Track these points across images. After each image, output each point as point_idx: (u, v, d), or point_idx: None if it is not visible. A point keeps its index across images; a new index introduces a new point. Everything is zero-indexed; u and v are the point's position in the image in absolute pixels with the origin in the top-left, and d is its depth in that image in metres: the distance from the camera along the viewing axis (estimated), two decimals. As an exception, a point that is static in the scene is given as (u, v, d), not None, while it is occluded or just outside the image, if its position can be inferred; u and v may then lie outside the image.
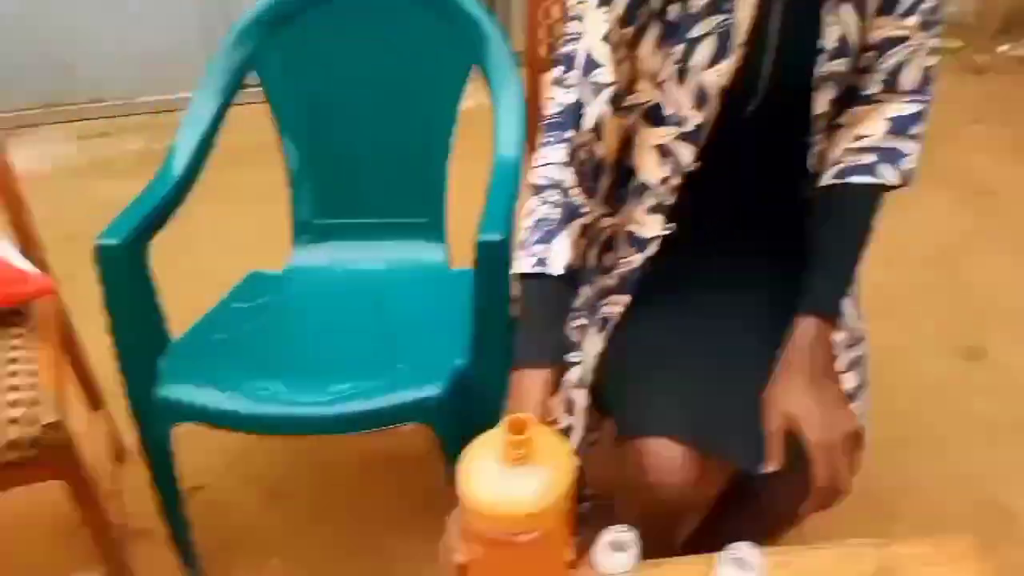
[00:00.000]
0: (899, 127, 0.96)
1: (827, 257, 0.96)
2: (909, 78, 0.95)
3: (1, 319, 1.24)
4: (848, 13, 0.91)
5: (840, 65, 0.93)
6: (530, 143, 1.36)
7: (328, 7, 1.44)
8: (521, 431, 0.69)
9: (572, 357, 1.01)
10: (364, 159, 1.51)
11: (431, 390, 1.16)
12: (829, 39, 0.92)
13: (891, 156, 0.95)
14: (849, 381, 1.00)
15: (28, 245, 1.36)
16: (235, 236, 2.13)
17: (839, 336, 0.99)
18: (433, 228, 1.51)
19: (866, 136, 0.96)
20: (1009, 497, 1.49)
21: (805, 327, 0.93)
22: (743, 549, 0.73)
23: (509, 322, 1.16)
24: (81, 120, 2.78)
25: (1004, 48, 3.15)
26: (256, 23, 1.44)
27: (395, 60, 1.46)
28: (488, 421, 1.13)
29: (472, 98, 1.45)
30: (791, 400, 0.90)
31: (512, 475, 0.70)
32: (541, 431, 0.73)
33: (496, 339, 1.17)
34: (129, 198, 1.27)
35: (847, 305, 1.02)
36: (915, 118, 0.96)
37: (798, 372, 0.91)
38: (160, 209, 1.27)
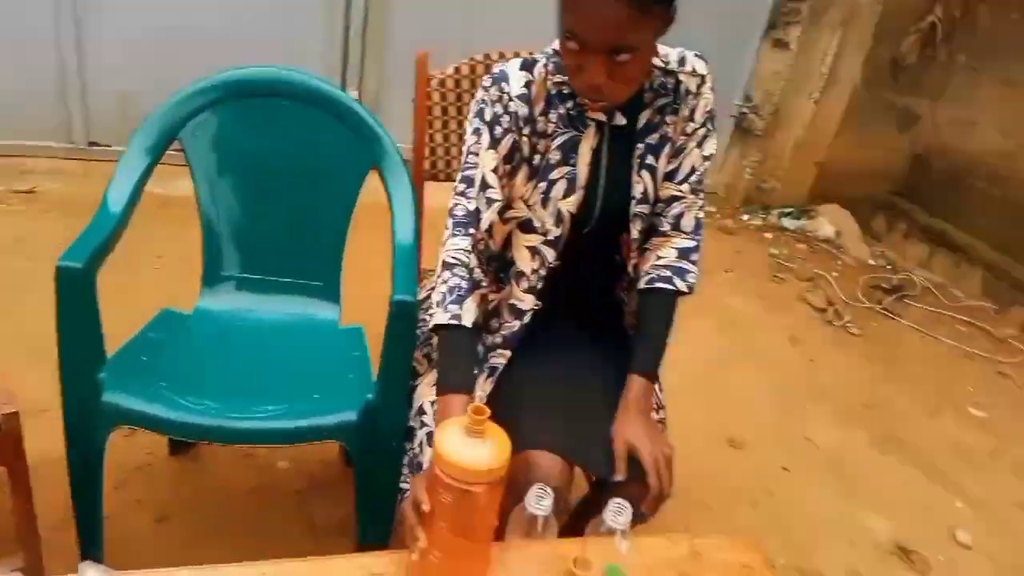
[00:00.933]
0: (684, 254, 1.41)
1: (647, 337, 1.40)
2: (687, 223, 1.41)
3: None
4: (647, 176, 1.36)
5: (644, 208, 1.39)
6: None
7: (248, 102, 1.69)
8: (482, 415, 1.00)
9: None
10: (271, 227, 1.75)
11: (349, 415, 1.41)
12: (636, 191, 1.37)
13: (681, 273, 1.40)
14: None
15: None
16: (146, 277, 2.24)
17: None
18: (328, 291, 1.77)
19: (663, 258, 1.41)
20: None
21: (636, 382, 1.35)
22: (622, 502, 1.05)
23: (410, 366, 1.47)
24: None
25: (745, 217, 4.00)
26: (179, 104, 1.65)
27: (306, 153, 1.72)
28: (392, 439, 1.41)
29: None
30: (630, 431, 1.30)
31: (474, 443, 1.00)
32: (490, 420, 1.03)
33: (399, 378, 1.45)
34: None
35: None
36: (693, 250, 1.42)
37: (633, 413, 1.32)
38: (105, 242, 1.44)
